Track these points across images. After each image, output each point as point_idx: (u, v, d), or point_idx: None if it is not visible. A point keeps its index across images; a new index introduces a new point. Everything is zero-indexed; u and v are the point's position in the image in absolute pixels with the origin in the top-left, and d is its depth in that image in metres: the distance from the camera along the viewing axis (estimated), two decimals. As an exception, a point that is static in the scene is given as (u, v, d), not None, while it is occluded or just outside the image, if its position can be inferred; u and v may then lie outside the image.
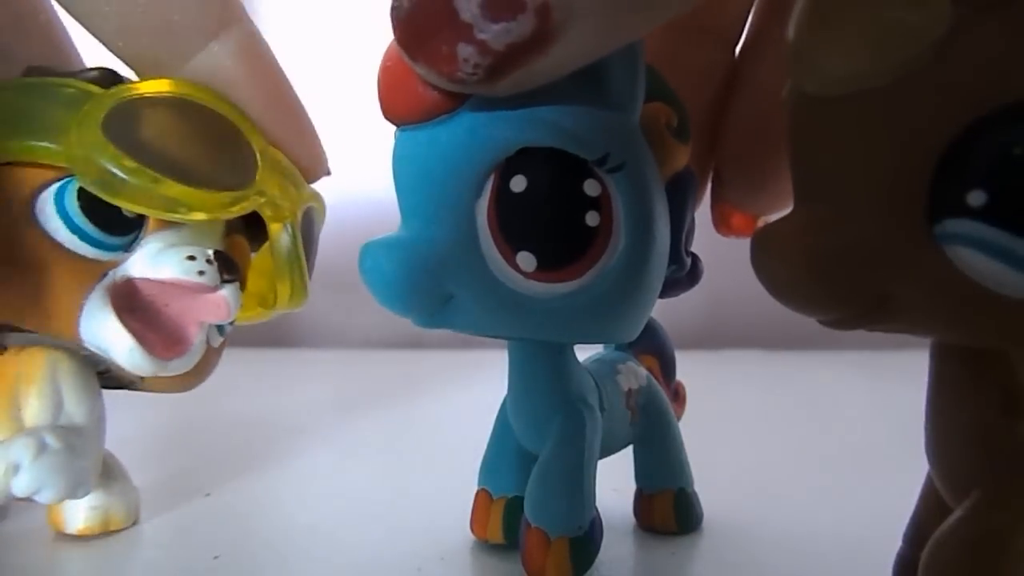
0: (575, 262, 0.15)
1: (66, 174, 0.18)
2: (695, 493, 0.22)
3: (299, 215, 0.21)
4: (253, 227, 0.21)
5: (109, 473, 0.21)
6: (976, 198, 0.11)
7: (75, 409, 0.19)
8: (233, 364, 0.22)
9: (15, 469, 0.17)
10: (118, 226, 0.19)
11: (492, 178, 0.15)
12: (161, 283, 0.19)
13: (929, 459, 0.15)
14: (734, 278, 0.23)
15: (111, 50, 0.19)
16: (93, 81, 0.18)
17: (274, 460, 0.29)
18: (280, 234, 0.20)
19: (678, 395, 0.24)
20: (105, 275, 0.18)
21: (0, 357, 0.19)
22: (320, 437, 0.33)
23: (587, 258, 0.15)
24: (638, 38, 0.16)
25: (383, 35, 0.14)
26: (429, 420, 0.38)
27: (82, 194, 0.18)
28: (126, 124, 0.18)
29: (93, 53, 0.20)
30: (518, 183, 0.15)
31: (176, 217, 0.18)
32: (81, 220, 0.18)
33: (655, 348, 0.23)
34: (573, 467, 0.18)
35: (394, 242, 0.15)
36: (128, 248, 0.19)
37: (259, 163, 0.19)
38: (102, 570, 0.19)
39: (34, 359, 0.19)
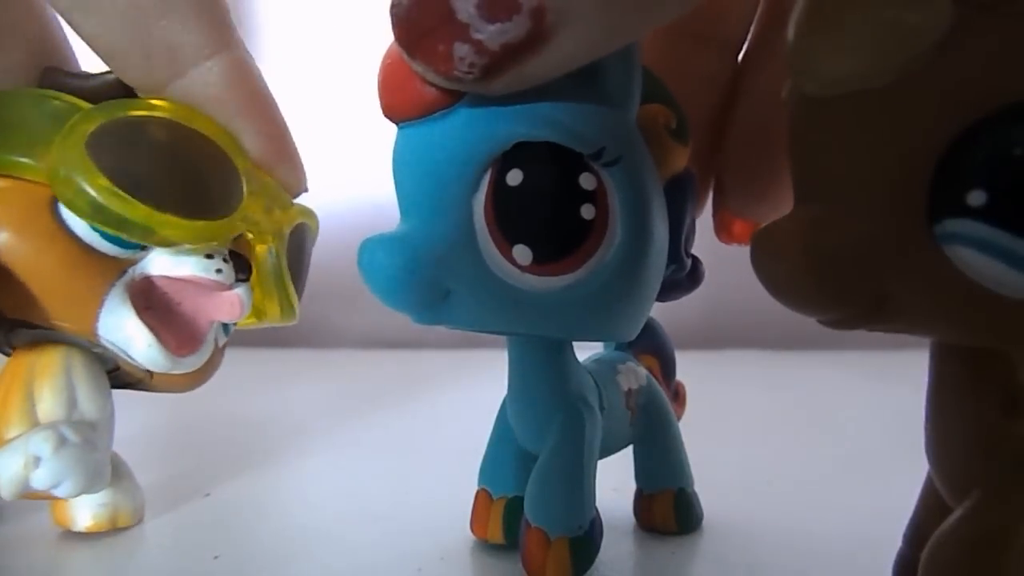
0: (571, 255, 0.15)
1: None
2: (695, 493, 0.22)
3: (286, 234, 0.21)
4: None
5: (116, 471, 0.21)
6: (976, 198, 0.11)
7: (88, 405, 0.19)
8: (233, 364, 0.22)
9: (36, 462, 0.17)
10: None
11: (489, 172, 0.15)
12: (177, 281, 0.19)
13: (929, 459, 0.15)
14: (734, 278, 0.23)
15: (107, 65, 0.19)
16: (101, 88, 0.18)
17: (274, 460, 0.29)
18: (265, 256, 0.21)
19: (678, 395, 0.24)
20: (124, 272, 0.19)
21: (14, 353, 0.19)
22: (320, 437, 0.33)
23: (583, 251, 0.15)
24: (632, 41, 0.16)
25: (384, 38, 0.14)
26: (429, 420, 0.38)
27: None
28: (112, 144, 0.18)
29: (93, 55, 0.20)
30: (514, 177, 0.15)
31: (152, 242, 0.18)
32: None
33: (655, 348, 0.23)
34: (573, 467, 0.18)
35: (392, 238, 0.15)
36: (146, 246, 0.19)
37: (244, 188, 0.19)
38: (102, 570, 0.19)
39: (49, 355, 0.19)
